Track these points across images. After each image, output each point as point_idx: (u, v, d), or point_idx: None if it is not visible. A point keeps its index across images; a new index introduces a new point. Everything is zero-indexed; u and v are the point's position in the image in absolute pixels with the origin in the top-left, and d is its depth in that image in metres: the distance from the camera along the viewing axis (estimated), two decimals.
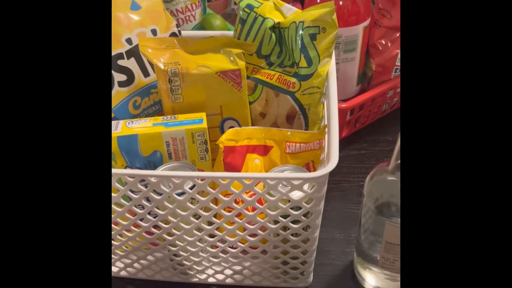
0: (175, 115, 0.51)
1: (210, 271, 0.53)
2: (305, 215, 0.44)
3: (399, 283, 0.50)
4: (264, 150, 0.53)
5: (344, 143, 0.74)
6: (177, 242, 0.49)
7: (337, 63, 0.69)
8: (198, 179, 0.42)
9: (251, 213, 0.44)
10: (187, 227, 0.46)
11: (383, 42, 0.70)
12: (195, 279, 0.54)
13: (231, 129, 0.51)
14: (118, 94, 0.53)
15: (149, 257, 0.52)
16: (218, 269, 0.52)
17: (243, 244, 0.48)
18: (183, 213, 0.45)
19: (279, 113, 0.55)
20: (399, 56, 0.70)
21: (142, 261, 0.52)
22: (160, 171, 0.42)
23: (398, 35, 0.70)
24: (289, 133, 0.53)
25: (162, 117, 0.51)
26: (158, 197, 0.44)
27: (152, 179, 0.42)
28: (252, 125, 0.56)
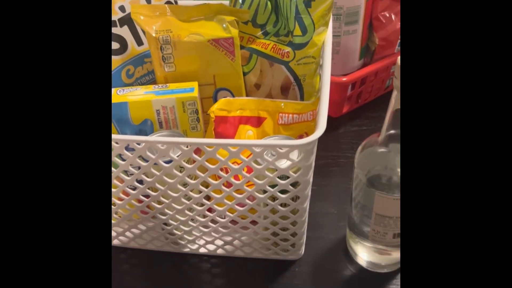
0: (167, 84, 0.51)
1: (201, 241, 0.53)
2: (293, 185, 0.44)
3: (390, 257, 0.49)
4: (257, 121, 0.53)
5: (344, 119, 0.73)
6: (167, 211, 0.48)
7: (338, 36, 0.67)
8: (184, 145, 0.42)
9: (238, 182, 0.44)
10: (175, 195, 0.46)
11: (387, 14, 0.68)
12: (187, 249, 0.54)
13: (223, 99, 0.51)
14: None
15: (140, 226, 0.52)
16: (208, 239, 0.52)
17: (232, 214, 0.48)
18: (171, 181, 0.45)
19: (273, 84, 0.54)
20: None
21: (133, 230, 0.53)
22: (143, 137, 0.42)
23: None
24: (282, 104, 0.52)
25: (154, 85, 0.51)
26: (144, 164, 0.43)
27: (138, 145, 0.42)
28: (247, 96, 0.55)
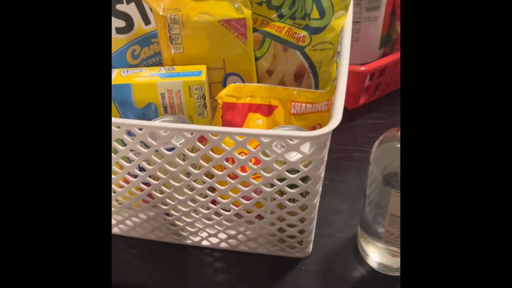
0: (173, 66, 0.48)
1: (204, 234, 0.50)
2: (303, 179, 0.41)
3: None
4: (268, 110, 0.49)
5: (361, 110, 0.69)
6: (168, 201, 0.46)
7: (358, 22, 0.63)
8: (187, 132, 0.39)
9: (244, 174, 0.41)
10: (177, 184, 0.43)
11: None
12: (189, 241, 0.52)
13: (232, 85, 0.47)
14: (115, 42, 0.50)
15: (141, 215, 0.49)
16: (212, 232, 0.49)
17: (237, 207, 0.45)
18: (173, 169, 0.42)
19: (287, 71, 0.51)
20: None
21: (134, 219, 0.50)
22: (144, 121, 0.39)
23: None
24: (295, 92, 0.48)
25: (160, 67, 0.48)
26: (145, 150, 0.41)
27: (139, 130, 0.39)
28: (258, 83, 0.52)
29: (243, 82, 0.50)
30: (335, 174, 0.59)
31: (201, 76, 0.46)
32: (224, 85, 0.51)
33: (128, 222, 0.51)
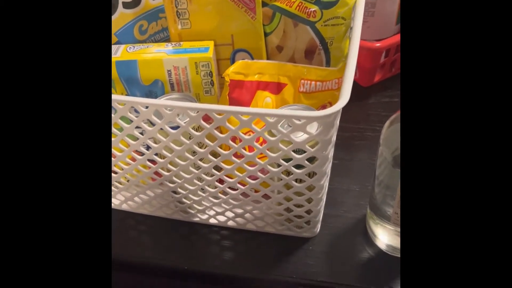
0: (181, 42, 0.47)
1: (211, 212, 0.50)
2: (310, 160, 0.40)
3: None
4: (277, 87, 0.48)
5: (376, 88, 0.67)
6: (175, 179, 0.46)
7: None
8: (191, 111, 0.38)
9: (249, 154, 0.40)
10: (183, 163, 0.43)
11: None
12: (196, 219, 0.52)
13: (240, 61, 0.46)
14: (122, 17, 0.49)
15: (149, 192, 0.50)
16: (219, 210, 0.49)
17: (244, 186, 0.45)
18: (178, 148, 0.41)
19: (297, 47, 0.49)
20: None
21: (142, 196, 0.50)
22: (147, 99, 0.38)
23: None
24: (305, 69, 0.47)
25: (167, 43, 0.47)
26: (150, 128, 0.40)
27: (143, 108, 0.39)
28: (267, 59, 0.50)
29: (252, 58, 0.49)
30: (346, 153, 0.58)
31: (208, 52, 0.45)
32: (233, 62, 0.50)
33: (136, 199, 0.51)
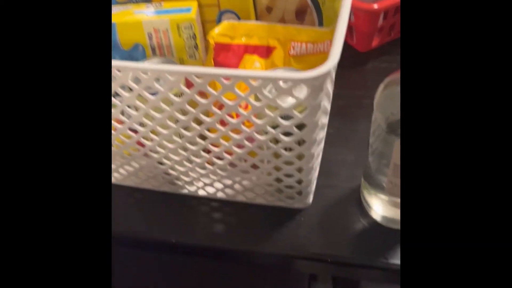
0: (161, 2, 0.44)
1: (199, 183, 0.48)
2: (299, 127, 0.37)
3: None
4: (266, 51, 0.45)
5: (374, 53, 0.64)
6: (158, 149, 0.44)
7: None
8: (169, 75, 0.35)
9: (234, 121, 0.38)
10: (165, 132, 0.41)
11: None
12: (185, 191, 0.50)
13: (225, 22, 0.43)
14: None
15: (134, 164, 0.48)
16: (207, 181, 0.47)
17: (230, 155, 0.42)
18: (158, 116, 0.39)
19: (287, 8, 0.46)
20: None
21: (127, 167, 0.48)
22: (119, 61, 0.36)
23: None
24: (295, 30, 0.44)
25: (147, 3, 0.44)
26: (127, 95, 0.38)
27: (118, 72, 0.36)
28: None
29: (239, 20, 0.46)
30: (341, 122, 0.56)
31: (190, 13, 0.42)
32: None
33: (122, 170, 0.49)
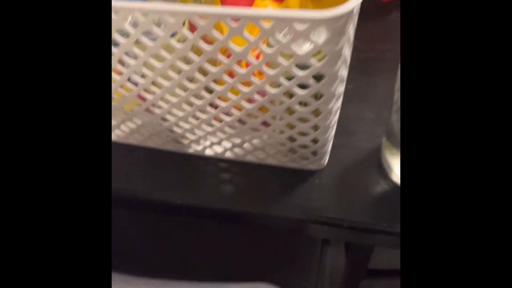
0: None
1: (207, 142, 0.45)
2: (316, 78, 0.33)
3: None
4: None
5: (397, 3, 0.59)
6: (161, 103, 0.40)
7: None
8: (169, 16, 0.31)
9: (243, 71, 0.34)
10: (166, 83, 0.37)
11: None
12: (191, 150, 0.46)
13: None
14: None
15: (136, 120, 0.44)
16: (215, 140, 0.44)
17: (239, 111, 0.38)
18: (159, 65, 0.35)
19: None
20: None
21: (129, 124, 0.45)
22: (115, 1, 0.31)
23: None
24: None
25: None
26: (123, 41, 0.34)
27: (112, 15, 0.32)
28: None
29: None
30: (361, 76, 0.51)
31: None
32: None
33: (123, 127, 0.46)
